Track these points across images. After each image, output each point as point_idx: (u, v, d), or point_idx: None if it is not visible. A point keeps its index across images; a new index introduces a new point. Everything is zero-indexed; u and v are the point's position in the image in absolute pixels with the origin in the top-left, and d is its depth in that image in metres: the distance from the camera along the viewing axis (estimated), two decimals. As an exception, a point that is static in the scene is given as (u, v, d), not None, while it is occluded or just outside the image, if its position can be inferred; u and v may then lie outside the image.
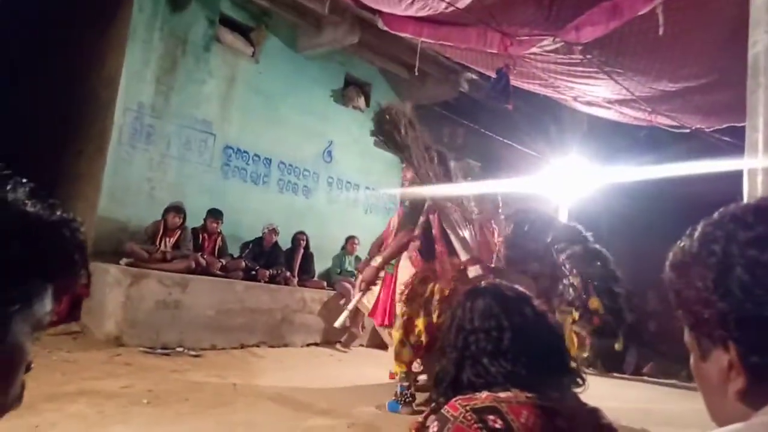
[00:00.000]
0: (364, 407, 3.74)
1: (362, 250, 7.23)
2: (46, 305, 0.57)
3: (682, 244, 0.59)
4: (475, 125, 8.33)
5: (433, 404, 1.19)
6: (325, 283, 6.69)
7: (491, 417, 0.99)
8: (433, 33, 4.54)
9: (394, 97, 8.27)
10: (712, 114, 4.74)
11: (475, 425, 0.98)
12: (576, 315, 3.56)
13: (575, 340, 3.40)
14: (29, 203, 0.54)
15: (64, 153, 6.01)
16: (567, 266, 3.61)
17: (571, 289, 3.58)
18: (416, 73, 5.80)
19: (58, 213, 0.57)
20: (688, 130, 5.15)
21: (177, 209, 5.57)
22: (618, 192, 7.47)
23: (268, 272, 6.03)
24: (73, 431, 2.62)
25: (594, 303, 3.52)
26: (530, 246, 3.55)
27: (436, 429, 1.01)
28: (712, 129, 5.06)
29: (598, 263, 3.63)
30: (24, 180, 0.56)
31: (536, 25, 3.82)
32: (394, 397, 3.68)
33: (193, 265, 5.41)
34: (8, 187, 0.54)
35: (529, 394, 1.04)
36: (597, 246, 3.66)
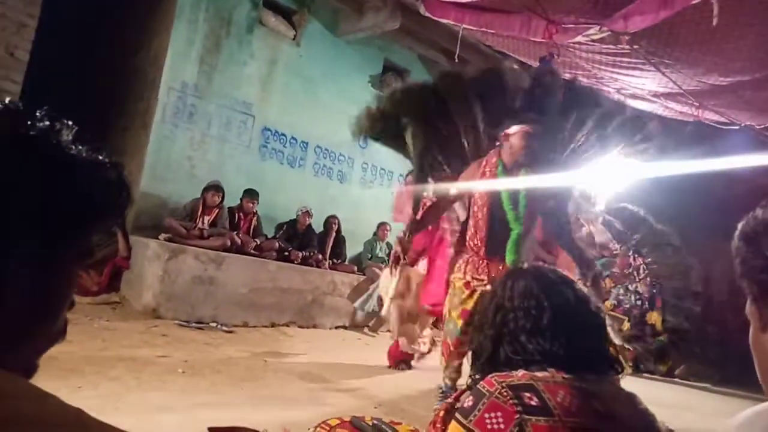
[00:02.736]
0: (391, 389, 3.79)
1: (393, 237, 7.25)
2: (91, 244, 0.59)
3: (755, 213, 0.59)
4: (513, 116, 8.20)
5: (469, 381, 1.20)
6: (355, 268, 6.75)
7: (527, 394, 0.99)
8: (476, 20, 4.48)
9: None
10: (764, 110, 4.56)
11: (511, 401, 0.98)
12: (627, 325, 3.12)
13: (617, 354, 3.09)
14: (75, 145, 0.56)
15: (109, 129, 6.18)
16: (641, 270, 3.19)
17: (633, 296, 3.17)
18: (456, 61, 5.75)
19: (103, 156, 0.59)
20: (736, 127, 4.97)
21: (216, 188, 5.68)
22: (658, 189, 7.27)
23: (300, 254, 6.11)
24: (113, 394, 2.73)
25: (653, 317, 3.08)
26: (612, 245, 3.19)
27: (470, 403, 1.02)
28: (762, 126, 4.87)
29: (681, 276, 3.18)
30: (70, 123, 0.58)
31: (583, 12, 3.74)
32: None
33: (229, 243, 5.53)
34: (55, 129, 0.56)
35: (566, 375, 1.04)
36: (686, 258, 3.20)
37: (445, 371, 3.25)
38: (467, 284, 3.14)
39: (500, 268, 3.06)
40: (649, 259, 3.29)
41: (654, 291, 3.26)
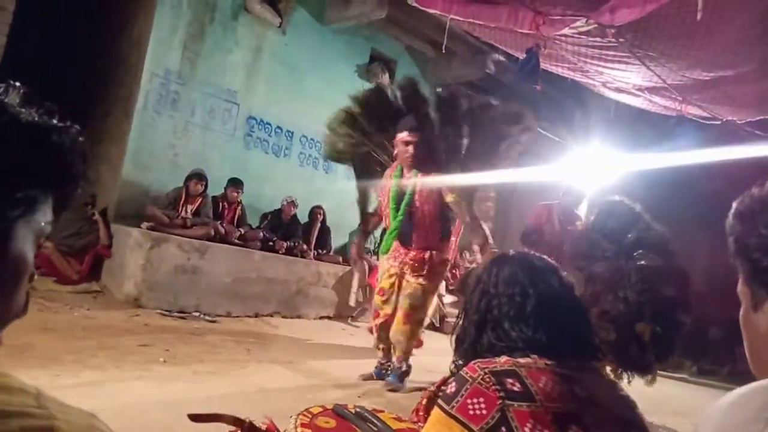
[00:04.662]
0: (376, 379, 3.79)
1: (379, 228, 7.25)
2: (47, 214, 0.56)
3: (750, 192, 0.58)
4: (500, 108, 8.21)
5: (451, 367, 1.20)
6: (340, 258, 6.74)
7: (510, 380, 0.99)
8: (463, 10, 4.46)
9: (418, 74, 8.20)
10: (745, 105, 4.61)
11: (493, 387, 0.98)
12: (612, 336, 2.97)
13: None
14: (25, 108, 0.53)
15: (90, 115, 6.07)
16: (633, 277, 3.01)
17: (621, 305, 2.94)
18: (443, 52, 5.72)
19: (56, 119, 0.55)
20: (718, 122, 5.03)
21: (199, 176, 5.62)
22: (642, 183, 7.36)
23: (285, 244, 6.08)
24: (93, 382, 2.70)
25: (642, 328, 2.94)
26: (604, 245, 3.08)
27: (453, 389, 1.02)
28: (744, 121, 4.94)
29: (675, 286, 2.98)
30: (18, 84, 0.54)
31: (570, 4, 3.74)
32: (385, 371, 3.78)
33: (212, 232, 5.48)
34: (1, 92, 0.52)
35: (549, 361, 1.04)
36: (681, 265, 3.05)
37: (377, 342, 3.82)
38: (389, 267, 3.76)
39: (408, 253, 3.70)
40: (642, 263, 3.09)
41: (644, 299, 3.06)
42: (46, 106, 0.55)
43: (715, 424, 0.52)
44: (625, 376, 3.04)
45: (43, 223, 0.56)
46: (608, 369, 3.19)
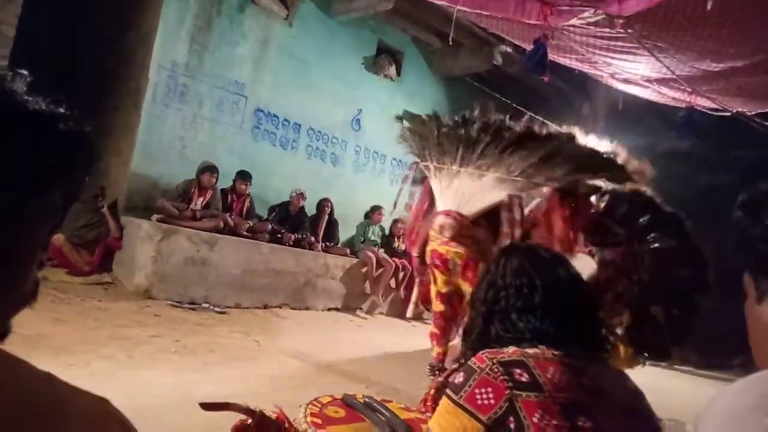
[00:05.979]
0: (384, 371, 3.82)
1: (386, 221, 7.26)
2: (55, 200, 0.56)
3: (756, 184, 0.59)
4: (507, 99, 8.19)
5: (460, 360, 1.22)
6: (348, 251, 6.76)
7: (518, 370, 1.01)
8: (470, 1, 4.44)
9: (425, 66, 8.18)
10: (755, 97, 4.57)
11: (501, 377, 1.00)
12: (626, 320, 2.90)
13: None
14: (31, 97, 0.53)
15: (100, 108, 6.09)
16: (646, 260, 2.89)
17: (636, 288, 2.88)
18: (450, 43, 5.70)
19: (61, 108, 0.56)
20: (728, 114, 4.98)
21: (212, 169, 5.64)
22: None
23: (293, 236, 6.11)
24: (105, 372, 2.74)
25: (657, 310, 2.89)
26: (616, 230, 3.04)
27: (461, 379, 1.03)
28: (753, 113, 4.89)
29: (690, 266, 2.90)
30: (25, 73, 0.55)
31: (578, -5, 3.72)
32: None
33: (221, 224, 5.51)
34: (8, 80, 0.53)
35: (556, 352, 1.05)
36: (697, 245, 2.95)
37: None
38: None
39: None
40: (656, 245, 3.04)
41: (658, 282, 3.02)
42: (52, 96, 0.56)
43: (719, 414, 0.53)
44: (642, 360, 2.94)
45: (50, 210, 0.56)
46: (626, 352, 3.11)
